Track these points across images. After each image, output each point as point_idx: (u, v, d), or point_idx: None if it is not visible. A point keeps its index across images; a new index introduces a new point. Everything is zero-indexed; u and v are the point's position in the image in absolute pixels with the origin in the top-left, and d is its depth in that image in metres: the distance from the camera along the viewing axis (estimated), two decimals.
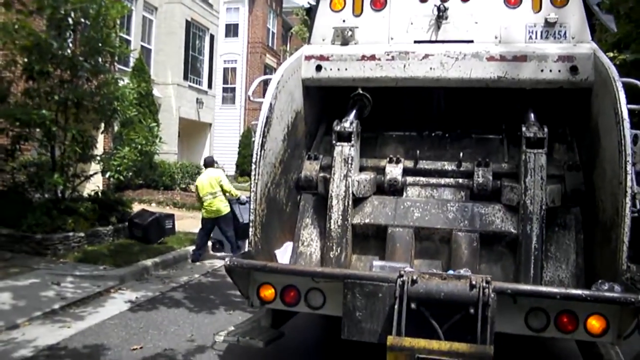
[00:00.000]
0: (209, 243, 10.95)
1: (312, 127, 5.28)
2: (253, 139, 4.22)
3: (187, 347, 5.28)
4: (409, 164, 4.87)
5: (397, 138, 5.24)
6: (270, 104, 4.31)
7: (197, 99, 23.06)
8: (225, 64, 29.95)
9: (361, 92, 5.05)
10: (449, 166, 4.83)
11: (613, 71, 4.07)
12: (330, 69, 4.87)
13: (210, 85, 24.70)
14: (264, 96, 4.41)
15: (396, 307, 3.17)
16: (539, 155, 4.24)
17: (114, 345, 5.22)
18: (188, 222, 13.60)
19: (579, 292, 3.40)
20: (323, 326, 5.50)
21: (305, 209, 4.79)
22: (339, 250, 4.40)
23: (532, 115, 4.59)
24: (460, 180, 4.71)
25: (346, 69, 4.84)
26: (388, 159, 4.88)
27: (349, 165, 4.47)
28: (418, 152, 4.87)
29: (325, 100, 5.38)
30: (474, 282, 3.15)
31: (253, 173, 4.14)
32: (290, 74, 4.71)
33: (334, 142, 4.57)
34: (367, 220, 4.52)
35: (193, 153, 23.82)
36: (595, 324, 3.52)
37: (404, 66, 4.72)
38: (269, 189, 4.36)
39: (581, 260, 4.30)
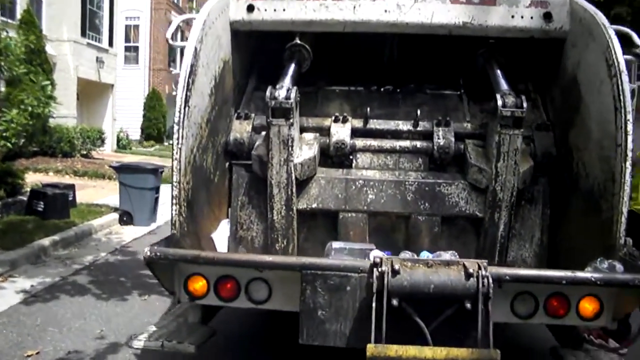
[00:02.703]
0: (116, 215, 9.92)
1: (241, 81, 4.45)
2: (174, 92, 3.34)
3: (97, 347, 4.39)
4: (358, 123, 4.18)
5: (341, 93, 4.50)
6: (195, 48, 3.44)
7: (97, 57, 21.21)
8: (127, 21, 27.92)
9: (299, 42, 4.26)
10: (404, 126, 4.18)
11: (601, 17, 3.56)
12: (265, 10, 4.02)
13: (111, 43, 22.83)
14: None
15: (374, 305, 2.49)
16: (515, 137, 3.67)
17: (1, 353, 4.23)
18: (91, 192, 12.38)
19: (587, 275, 2.88)
20: (260, 318, 4.76)
21: (240, 185, 4.00)
22: (285, 242, 3.77)
23: (502, 78, 3.99)
24: (419, 144, 4.08)
25: (284, 10, 4.01)
26: (333, 117, 4.15)
27: (289, 148, 3.70)
28: (368, 109, 4.18)
29: (256, 48, 4.55)
30: (470, 270, 2.52)
31: (176, 136, 3.28)
32: (217, 14, 3.83)
33: (268, 120, 3.74)
34: (314, 205, 3.86)
35: (94, 116, 22.10)
36: (588, 306, 3.09)
37: (354, 7, 3.97)
38: (195, 156, 3.53)
39: (545, 238, 3.94)
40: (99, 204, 10.69)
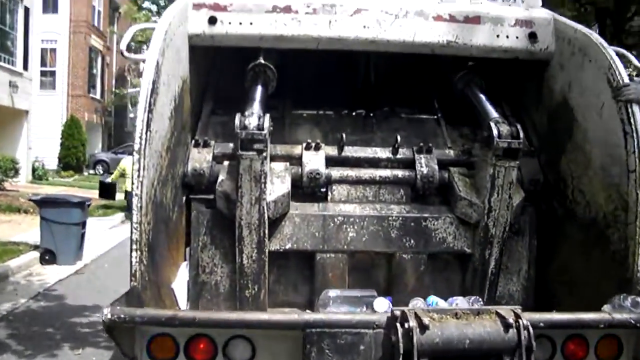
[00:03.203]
0: (37, 254, 8.99)
1: (197, 103, 3.95)
2: (132, 115, 2.80)
3: None
4: (332, 151, 3.78)
5: (309, 118, 4.09)
6: (157, 62, 2.92)
7: (10, 81, 19.88)
8: (43, 44, 26.54)
9: (263, 62, 3.83)
10: (382, 153, 3.81)
11: (597, 37, 3.38)
12: (229, 23, 3.56)
13: (26, 67, 21.52)
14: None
15: None
16: (511, 169, 3.38)
17: None
18: (5, 228, 11.30)
19: (624, 317, 2.59)
20: None
21: (200, 223, 3.47)
22: (256, 288, 3.31)
23: (489, 104, 3.71)
24: (400, 174, 3.72)
25: (251, 24, 3.57)
26: (304, 144, 3.73)
27: (262, 185, 3.24)
28: (343, 135, 3.78)
29: (211, 66, 4.10)
30: (509, 320, 2.14)
31: (136, 167, 2.73)
32: (177, 25, 3.34)
33: (237, 152, 3.25)
34: (288, 246, 3.44)
35: (6, 144, 20.60)
36: (606, 348, 2.81)
37: (330, 22, 3.59)
38: (155, 190, 2.99)
39: (533, 271, 3.68)
40: (15, 242, 9.78)
